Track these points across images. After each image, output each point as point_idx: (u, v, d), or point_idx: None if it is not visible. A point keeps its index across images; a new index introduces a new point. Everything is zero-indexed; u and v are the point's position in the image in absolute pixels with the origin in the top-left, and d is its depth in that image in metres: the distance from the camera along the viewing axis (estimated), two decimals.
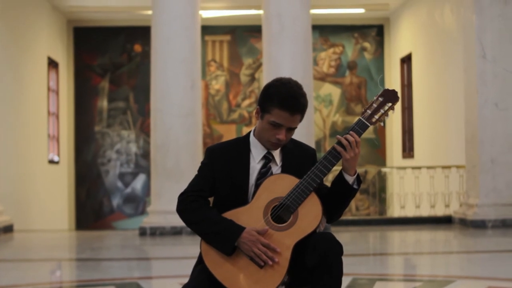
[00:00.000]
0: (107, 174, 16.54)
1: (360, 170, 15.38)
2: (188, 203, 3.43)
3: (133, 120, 16.58)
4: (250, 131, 3.53)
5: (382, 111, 3.38)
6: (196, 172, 3.52)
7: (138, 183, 16.49)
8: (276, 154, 3.49)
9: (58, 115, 15.81)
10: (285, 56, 10.62)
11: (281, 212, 3.29)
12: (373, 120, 3.37)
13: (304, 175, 3.38)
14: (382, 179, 15.31)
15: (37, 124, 14.36)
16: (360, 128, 3.35)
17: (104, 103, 16.62)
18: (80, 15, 16.14)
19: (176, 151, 10.45)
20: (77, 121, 16.59)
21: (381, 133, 16.66)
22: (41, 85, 14.70)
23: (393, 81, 16.54)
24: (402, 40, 15.98)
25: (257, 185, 3.40)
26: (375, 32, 16.85)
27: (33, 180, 13.85)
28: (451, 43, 12.91)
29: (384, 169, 15.07)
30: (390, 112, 3.39)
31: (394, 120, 16.45)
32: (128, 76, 16.63)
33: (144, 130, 16.42)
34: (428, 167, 12.74)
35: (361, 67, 16.80)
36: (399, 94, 15.55)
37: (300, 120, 3.41)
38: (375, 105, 3.39)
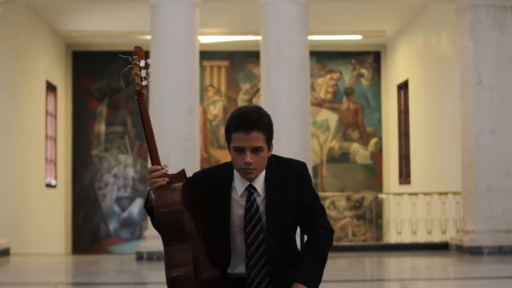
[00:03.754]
0: (104, 198, 16.54)
1: (357, 196, 15.41)
2: None
3: (131, 144, 16.61)
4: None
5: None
6: None
7: (135, 208, 16.48)
8: (259, 184, 3.40)
9: (56, 138, 15.83)
10: (283, 82, 10.67)
11: None
12: (136, 88, 3.33)
13: (290, 194, 3.38)
14: (378, 205, 15.31)
15: (35, 148, 14.37)
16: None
17: (102, 127, 16.65)
18: (79, 39, 16.20)
19: None
20: (75, 145, 16.61)
21: (377, 159, 16.69)
22: (39, 109, 14.73)
23: (390, 107, 16.60)
24: (399, 67, 16.05)
25: (246, 220, 3.35)
26: (372, 59, 16.93)
27: (30, 204, 13.84)
28: (447, 69, 12.98)
29: (380, 195, 15.09)
30: (135, 67, 3.31)
31: (390, 146, 16.49)
32: (126, 100, 16.67)
33: (141, 154, 16.44)
34: (425, 194, 12.76)
35: (358, 93, 16.86)
36: (396, 121, 15.61)
37: (267, 140, 3.31)
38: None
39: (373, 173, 16.69)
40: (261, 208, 3.40)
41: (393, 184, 16.23)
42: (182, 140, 10.50)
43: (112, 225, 16.47)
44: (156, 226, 3.24)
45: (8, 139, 12.71)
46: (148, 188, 3.27)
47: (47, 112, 15.28)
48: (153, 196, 3.24)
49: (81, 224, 16.47)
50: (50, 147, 15.51)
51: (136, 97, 3.33)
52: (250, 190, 3.39)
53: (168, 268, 3.26)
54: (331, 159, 16.63)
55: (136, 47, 3.29)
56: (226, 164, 3.47)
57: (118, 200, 16.53)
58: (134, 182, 16.55)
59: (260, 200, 3.39)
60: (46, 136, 15.19)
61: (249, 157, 3.27)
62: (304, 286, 3.28)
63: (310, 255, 3.39)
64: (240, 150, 3.28)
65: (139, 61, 3.30)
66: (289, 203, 3.42)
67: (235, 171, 3.39)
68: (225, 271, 3.42)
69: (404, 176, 15.75)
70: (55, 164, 15.77)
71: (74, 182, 16.54)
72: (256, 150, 3.28)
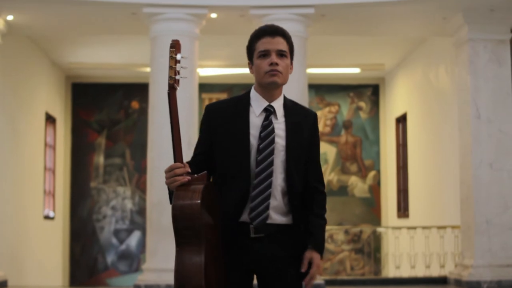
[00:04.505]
0: (102, 230, 16.49)
1: (355, 229, 15.37)
2: None
3: (129, 176, 16.59)
4: (250, 88, 3.52)
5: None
6: None
7: (133, 240, 16.43)
8: (278, 108, 3.46)
9: (54, 170, 15.82)
10: None
11: None
12: (169, 82, 3.31)
13: (305, 133, 3.46)
14: (377, 238, 15.29)
15: (33, 179, 14.36)
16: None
17: (100, 159, 16.65)
18: (78, 71, 16.26)
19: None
20: (73, 176, 16.59)
21: (376, 192, 16.68)
22: (38, 140, 14.74)
23: (388, 140, 16.62)
24: (397, 100, 16.09)
25: (261, 138, 3.36)
26: (370, 92, 16.98)
27: (28, 235, 13.80)
28: (446, 103, 13.01)
29: (379, 229, 15.06)
30: (171, 59, 3.31)
31: (389, 179, 16.49)
32: (125, 132, 16.69)
33: (139, 187, 16.42)
34: (423, 227, 12.74)
35: (357, 126, 16.89)
36: (395, 154, 15.56)
37: (290, 49, 3.43)
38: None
39: (371, 206, 16.67)
40: (277, 132, 3.42)
41: (392, 217, 16.20)
42: None
43: (110, 258, 16.41)
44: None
45: (7, 170, 12.70)
46: (167, 185, 3.28)
47: (46, 144, 15.29)
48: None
49: (79, 256, 16.41)
50: (48, 179, 15.50)
51: (168, 91, 3.31)
52: (269, 109, 3.44)
53: (178, 274, 3.16)
54: (330, 192, 16.60)
55: (174, 40, 3.31)
56: (238, 95, 3.55)
57: (116, 233, 16.48)
58: (132, 215, 16.51)
59: (277, 125, 3.44)
60: (45, 168, 15.18)
61: (275, 58, 3.38)
62: (318, 255, 3.40)
63: (318, 223, 3.48)
64: (265, 55, 3.40)
65: (176, 54, 3.29)
66: (304, 142, 3.47)
67: (252, 95, 3.47)
68: (235, 220, 3.37)
69: (403, 209, 15.72)
70: (53, 196, 15.74)
71: (72, 214, 16.50)
72: (281, 55, 3.41)
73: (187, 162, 3.36)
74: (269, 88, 3.46)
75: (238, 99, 3.50)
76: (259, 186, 3.35)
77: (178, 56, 3.29)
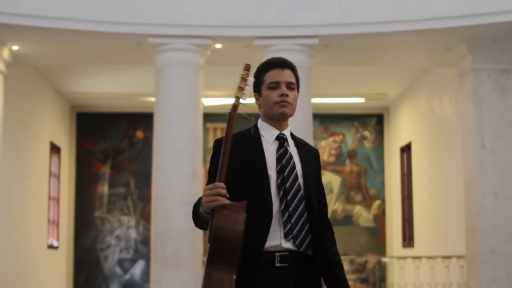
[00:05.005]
0: (106, 260, 16.45)
1: (360, 259, 15.31)
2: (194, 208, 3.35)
3: (134, 206, 16.58)
4: (257, 121, 3.52)
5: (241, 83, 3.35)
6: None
7: (137, 270, 16.38)
8: (288, 137, 3.48)
9: (58, 199, 15.82)
10: None
11: None
12: (234, 103, 3.34)
13: (314, 167, 3.45)
14: (382, 268, 15.22)
15: (38, 209, 14.36)
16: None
17: (104, 189, 16.65)
18: (83, 101, 16.32)
19: (176, 238, 10.41)
20: (78, 206, 16.59)
21: (380, 221, 16.64)
22: (42, 170, 14.76)
23: (393, 169, 16.61)
24: (402, 129, 16.10)
25: (283, 165, 3.35)
26: (375, 121, 16.99)
27: (32, 265, 13.77)
28: (450, 132, 13.01)
29: (384, 259, 15.00)
30: (242, 81, 3.34)
31: (394, 209, 16.45)
32: (129, 162, 16.70)
33: (144, 216, 16.40)
34: (429, 257, 12.68)
35: (361, 155, 16.88)
36: (399, 184, 15.53)
37: (297, 81, 3.46)
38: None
39: (376, 236, 16.61)
40: (295, 158, 3.43)
41: (396, 247, 16.15)
42: (185, 203, 10.44)
43: (114, 287, 16.35)
44: (209, 241, 3.15)
45: (11, 199, 12.71)
46: (204, 202, 3.22)
47: (50, 173, 15.31)
48: (201, 209, 3.24)
49: (83, 286, 16.35)
50: (52, 208, 15.50)
51: (230, 110, 3.36)
52: (282, 137, 3.45)
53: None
54: (334, 222, 16.53)
55: (248, 64, 3.35)
56: (245, 129, 3.54)
57: (120, 262, 16.44)
58: (137, 244, 16.48)
59: (291, 152, 3.44)
60: (49, 197, 15.19)
61: (285, 89, 3.40)
62: None
63: (339, 261, 3.48)
64: (275, 86, 3.42)
65: (248, 77, 3.34)
66: (315, 174, 3.49)
67: (260, 125, 3.49)
68: (261, 247, 3.29)
69: (408, 239, 15.67)
70: (57, 225, 15.73)
71: (76, 244, 16.47)
72: (289, 87, 3.43)
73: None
74: (278, 119, 3.48)
75: (247, 130, 3.52)
76: (296, 211, 3.33)
77: (250, 81, 3.36)
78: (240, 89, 3.34)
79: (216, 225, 3.12)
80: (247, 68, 3.36)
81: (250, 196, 3.29)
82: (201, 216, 3.28)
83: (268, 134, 3.46)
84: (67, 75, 14.56)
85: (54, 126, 15.56)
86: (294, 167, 3.40)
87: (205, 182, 3.43)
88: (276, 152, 3.42)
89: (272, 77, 3.44)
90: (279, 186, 3.35)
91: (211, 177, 3.38)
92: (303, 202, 3.36)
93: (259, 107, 3.53)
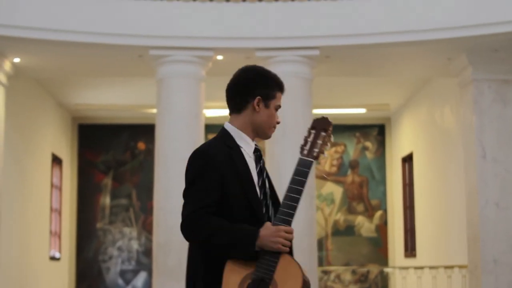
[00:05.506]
0: (108, 271, 16.44)
1: (362, 269, 15.31)
2: (195, 224, 3.19)
3: (136, 217, 16.58)
4: (222, 128, 3.42)
5: (319, 142, 3.30)
6: (191, 185, 3.29)
7: (139, 281, 16.37)
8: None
9: (60, 211, 15.83)
10: (288, 156, 10.69)
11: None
12: (314, 154, 3.27)
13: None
14: (384, 278, 15.21)
15: (40, 220, 14.37)
16: (303, 167, 3.23)
17: (106, 200, 16.66)
18: (85, 113, 16.34)
19: (178, 249, 10.40)
20: (79, 217, 16.59)
21: (382, 232, 16.63)
22: (44, 182, 14.78)
23: (394, 180, 16.61)
24: (403, 140, 16.11)
25: (267, 181, 3.35)
26: (376, 132, 17.00)
27: (34, 277, 13.77)
28: (451, 143, 13.02)
29: (386, 269, 14.98)
30: (328, 141, 3.32)
31: (395, 219, 16.45)
32: (131, 173, 16.71)
33: (146, 227, 16.39)
34: (431, 267, 12.68)
35: (363, 166, 16.89)
36: (401, 194, 15.53)
37: None
38: (310, 140, 3.31)
39: (378, 246, 16.60)
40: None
41: (399, 257, 16.14)
42: None
43: None
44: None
45: (13, 210, 12.71)
46: (274, 242, 3.12)
47: (52, 185, 15.32)
48: (259, 243, 3.14)
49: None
50: (54, 220, 15.51)
51: (311, 159, 3.30)
52: (258, 149, 3.44)
53: None
54: (336, 232, 16.57)
55: (330, 123, 3.37)
56: (215, 137, 3.41)
57: (122, 273, 16.42)
58: (139, 255, 16.47)
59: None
60: (51, 209, 15.20)
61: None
62: None
63: None
64: (277, 110, 3.41)
65: (331, 136, 3.35)
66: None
67: (235, 135, 3.36)
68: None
69: (410, 249, 15.66)
70: (59, 237, 15.74)
71: (78, 255, 16.47)
72: None
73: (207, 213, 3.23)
74: (259, 136, 3.47)
75: (220, 140, 3.36)
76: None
77: (332, 139, 3.39)
78: (324, 143, 3.33)
79: (305, 280, 3.11)
80: (330, 125, 3.38)
81: (244, 215, 3.25)
82: (249, 247, 3.14)
83: (247, 146, 3.38)
84: (69, 87, 14.59)
85: (55, 138, 15.58)
86: (269, 180, 3.42)
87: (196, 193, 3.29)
88: (256, 165, 3.38)
89: (279, 100, 3.43)
90: (262, 201, 3.34)
91: (200, 193, 3.26)
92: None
93: (250, 110, 3.40)
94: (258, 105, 3.38)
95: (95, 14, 10.66)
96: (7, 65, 11.15)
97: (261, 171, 3.37)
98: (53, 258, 15.25)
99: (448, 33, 10.45)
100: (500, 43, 10.57)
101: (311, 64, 11.08)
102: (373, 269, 15.08)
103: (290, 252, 3.20)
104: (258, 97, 3.37)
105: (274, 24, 10.93)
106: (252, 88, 3.38)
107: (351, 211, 16.78)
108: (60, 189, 15.89)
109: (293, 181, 3.23)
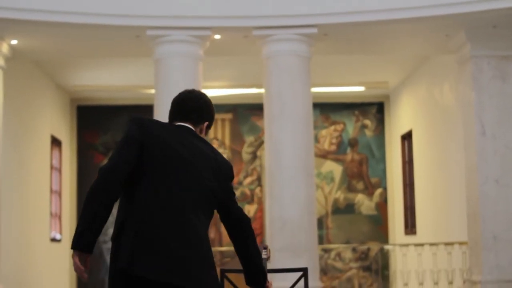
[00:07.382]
0: (109, 252, 16.41)
1: (362, 247, 15.34)
2: (111, 183, 3.43)
3: None
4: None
5: None
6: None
7: None
8: None
9: (60, 193, 15.84)
10: (287, 134, 10.70)
11: None
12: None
13: None
14: (384, 256, 15.24)
15: (40, 202, 14.38)
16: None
17: None
18: (83, 94, 16.31)
19: None
20: (80, 199, 16.59)
21: (382, 209, 16.65)
22: (44, 163, 14.77)
23: (394, 157, 16.61)
24: (402, 117, 16.10)
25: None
26: (375, 110, 16.98)
27: (34, 259, 13.80)
28: (451, 120, 13.01)
29: (386, 246, 15.01)
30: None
31: (395, 196, 16.47)
32: None
33: None
34: (431, 244, 12.70)
35: (362, 144, 16.89)
36: (401, 171, 15.50)
37: None
38: None
39: (378, 224, 16.63)
40: None
41: (399, 234, 16.17)
42: None
43: None
44: None
45: (13, 193, 12.72)
46: None
47: (52, 167, 15.32)
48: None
49: (86, 279, 16.33)
50: (54, 201, 15.52)
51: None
52: None
53: None
54: (336, 211, 16.59)
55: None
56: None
57: None
58: None
59: None
60: (51, 190, 15.21)
61: None
62: None
63: None
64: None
65: None
66: None
67: None
68: None
69: (410, 226, 15.69)
70: (59, 218, 15.76)
71: None
72: None
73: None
74: None
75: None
76: None
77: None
78: None
79: None
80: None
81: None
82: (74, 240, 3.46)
83: None
84: (67, 68, 14.56)
85: (54, 120, 15.56)
86: None
87: None
88: None
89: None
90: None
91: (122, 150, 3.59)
92: None
93: (206, 129, 3.80)
94: (206, 130, 3.84)
95: None
96: (4, 47, 11.12)
97: None
98: (54, 240, 15.28)
99: (446, 9, 10.41)
100: (498, 19, 10.53)
101: (309, 42, 11.05)
102: (374, 247, 15.11)
103: None
104: (208, 126, 3.83)
105: (272, 3, 10.88)
106: (209, 116, 3.86)
107: (351, 189, 16.79)
108: (59, 170, 15.89)
109: None
